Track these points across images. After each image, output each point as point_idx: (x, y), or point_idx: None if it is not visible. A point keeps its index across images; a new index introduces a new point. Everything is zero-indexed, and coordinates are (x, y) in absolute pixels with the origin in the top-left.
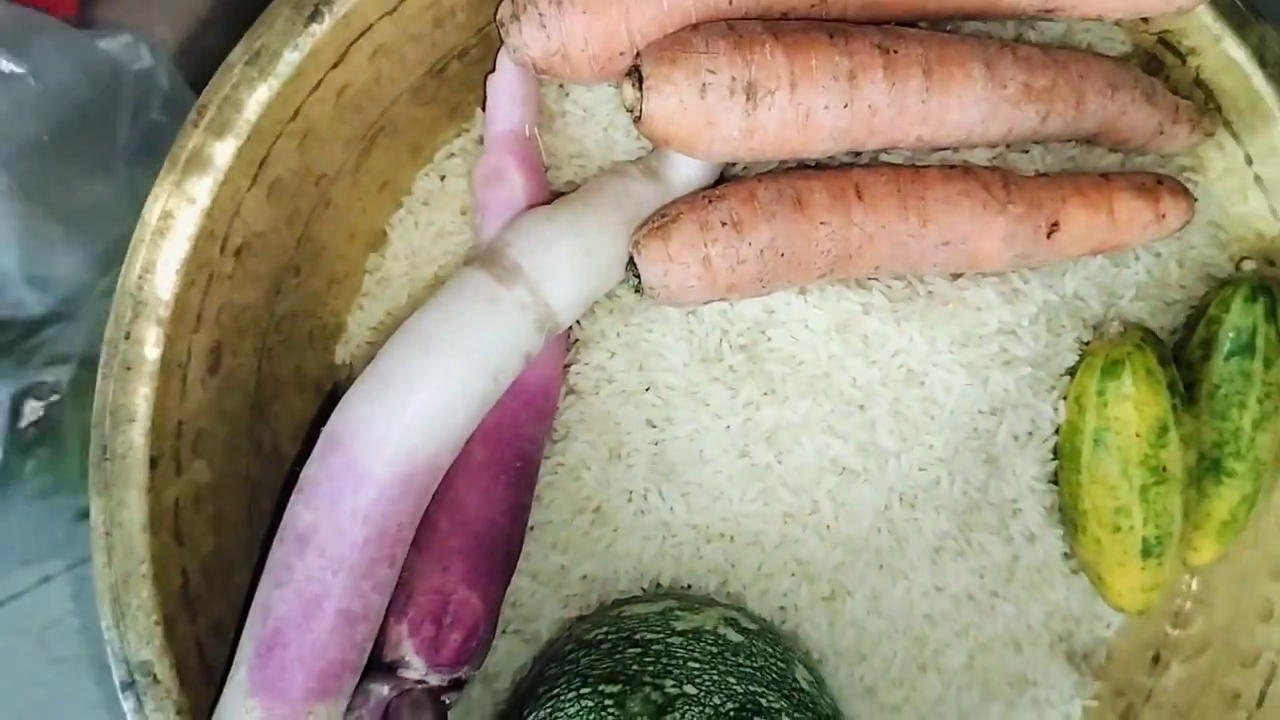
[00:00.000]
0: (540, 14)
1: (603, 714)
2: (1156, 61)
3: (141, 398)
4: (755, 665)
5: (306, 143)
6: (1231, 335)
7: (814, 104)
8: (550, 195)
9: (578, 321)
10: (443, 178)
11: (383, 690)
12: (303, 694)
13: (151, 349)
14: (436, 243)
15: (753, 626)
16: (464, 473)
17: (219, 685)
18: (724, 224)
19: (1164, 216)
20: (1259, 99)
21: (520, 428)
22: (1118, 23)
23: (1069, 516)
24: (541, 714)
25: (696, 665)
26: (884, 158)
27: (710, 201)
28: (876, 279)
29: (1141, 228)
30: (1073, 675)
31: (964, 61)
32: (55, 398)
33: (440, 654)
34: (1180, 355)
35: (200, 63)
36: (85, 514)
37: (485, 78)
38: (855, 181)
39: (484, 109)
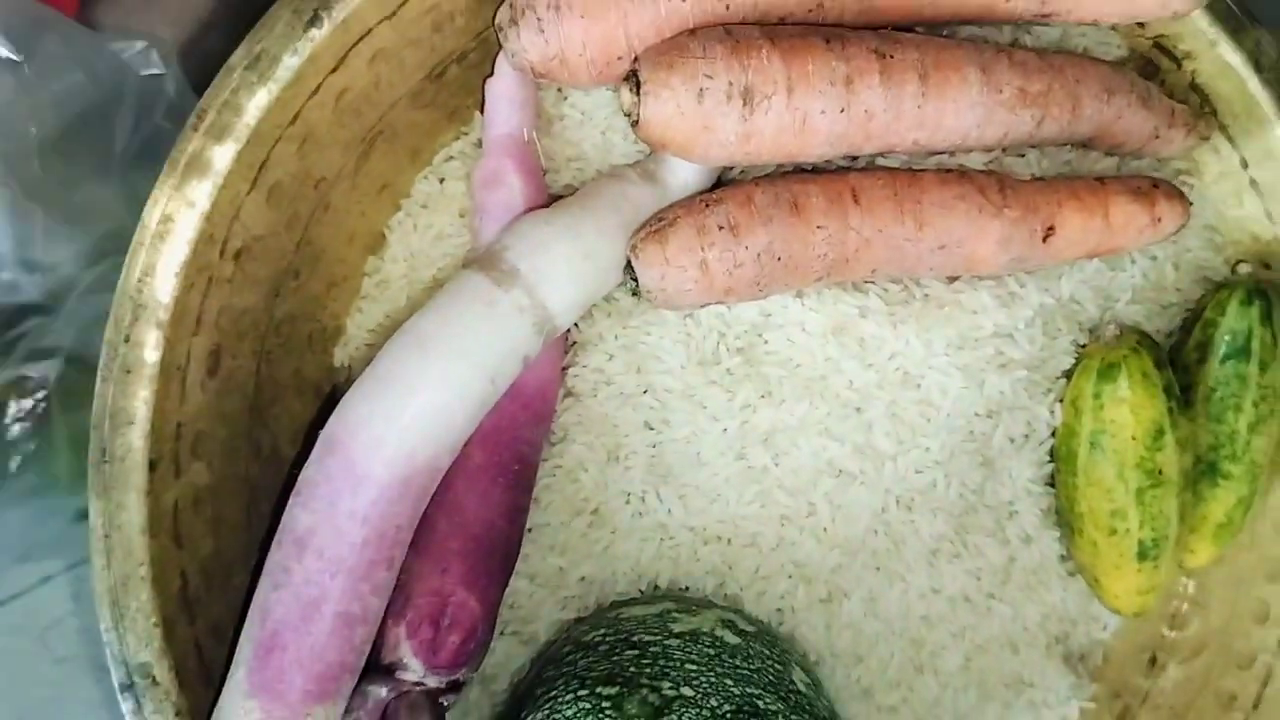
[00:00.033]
0: (539, 19)
1: (600, 716)
2: (1152, 66)
3: (141, 400)
4: (752, 667)
5: (306, 146)
6: (1227, 338)
7: (810, 109)
8: (548, 199)
9: (576, 324)
10: (441, 181)
11: (381, 692)
12: (301, 696)
13: (151, 352)
14: (435, 245)
15: (750, 628)
16: (462, 475)
17: (218, 687)
18: (721, 228)
19: (1160, 220)
20: (1254, 103)
21: (518, 430)
22: (1113, 27)
23: (1065, 519)
24: (539, 716)
25: (694, 667)
26: (880, 162)
27: (707, 205)
28: (873, 282)
29: (1137, 231)
30: (1069, 677)
31: (960, 66)
32: (42, 394)
33: (438, 656)
34: (1176, 358)
35: (201, 64)
36: (84, 515)
37: (484, 82)
38: (852, 185)
39: (482, 113)
